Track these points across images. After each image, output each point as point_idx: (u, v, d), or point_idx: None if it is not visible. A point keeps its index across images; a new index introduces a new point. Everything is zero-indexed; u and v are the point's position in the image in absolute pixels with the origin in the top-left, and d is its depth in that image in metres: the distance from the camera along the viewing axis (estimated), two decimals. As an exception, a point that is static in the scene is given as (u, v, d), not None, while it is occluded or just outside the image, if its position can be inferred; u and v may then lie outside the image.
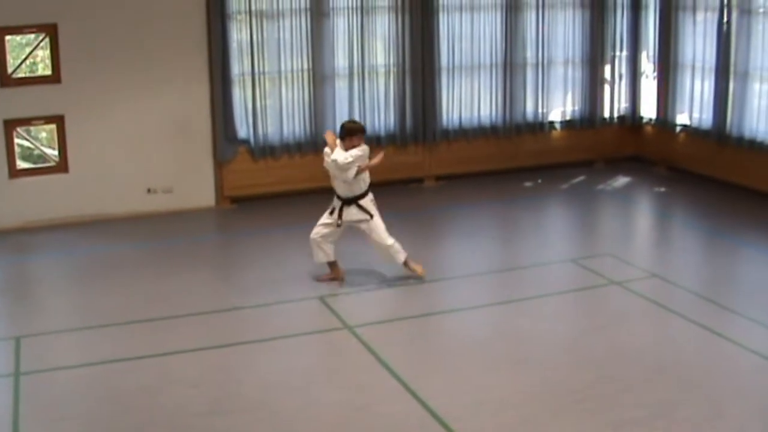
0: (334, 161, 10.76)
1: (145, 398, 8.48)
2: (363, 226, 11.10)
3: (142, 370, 9.04)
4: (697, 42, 15.36)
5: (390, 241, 11.09)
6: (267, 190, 14.70)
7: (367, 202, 11.10)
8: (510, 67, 15.88)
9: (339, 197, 11.09)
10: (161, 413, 8.21)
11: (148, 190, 14.23)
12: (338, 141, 10.94)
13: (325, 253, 11.21)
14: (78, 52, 13.44)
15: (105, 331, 9.98)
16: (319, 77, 14.74)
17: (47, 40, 13.44)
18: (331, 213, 11.11)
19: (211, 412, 8.22)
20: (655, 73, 16.43)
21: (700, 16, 15.30)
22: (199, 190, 14.53)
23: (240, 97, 14.48)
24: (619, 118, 16.88)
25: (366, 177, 11.08)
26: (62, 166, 13.79)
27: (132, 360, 9.24)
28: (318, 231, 11.14)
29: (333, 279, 11.34)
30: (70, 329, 10.10)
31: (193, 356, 9.35)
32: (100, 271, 11.93)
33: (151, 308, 10.58)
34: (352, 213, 11.05)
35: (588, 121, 16.63)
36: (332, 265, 11.35)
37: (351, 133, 10.92)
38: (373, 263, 11.74)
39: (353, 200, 11.03)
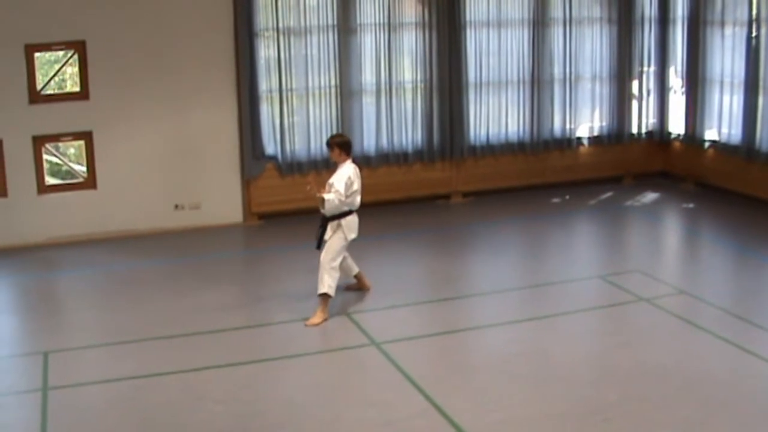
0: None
1: (170, 415, 8.49)
2: (327, 237, 10.84)
3: (167, 387, 9.05)
4: (726, 57, 15.29)
5: (331, 265, 10.73)
6: (294, 206, 14.69)
7: (342, 222, 10.78)
8: (537, 83, 15.86)
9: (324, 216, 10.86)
10: (186, 430, 8.21)
11: (176, 206, 14.28)
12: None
13: (347, 271, 11.28)
14: (106, 69, 13.53)
15: (131, 347, 10.00)
16: (346, 93, 14.77)
17: (76, 56, 13.55)
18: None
19: (236, 429, 8.20)
20: (683, 89, 16.35)
21: (728, 31, 15.23)
22: (226, 206, 14.57)
23: (267, 113, 14.53)
24: (647, 133, 16.82)
25: (354, 201, 10.85)
26: (90, 182, 13.87)
27: (157, 376, 9.25)
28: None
29: (360, 288, 11.52)
30: (97, 345, 10.12)
31: (219, 373, 9.35)
32: (126, 287, 11.98)
33: (177, 324, 10.61)
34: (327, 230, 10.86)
35: (616, 137, 16.58)
36: (358, 276, 11.48)
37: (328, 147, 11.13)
38: (400, 280, 11.74)
39: (332, 218, 10.81)
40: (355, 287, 11.50)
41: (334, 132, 14.44)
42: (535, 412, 8.41)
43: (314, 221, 13.25)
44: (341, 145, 10.94)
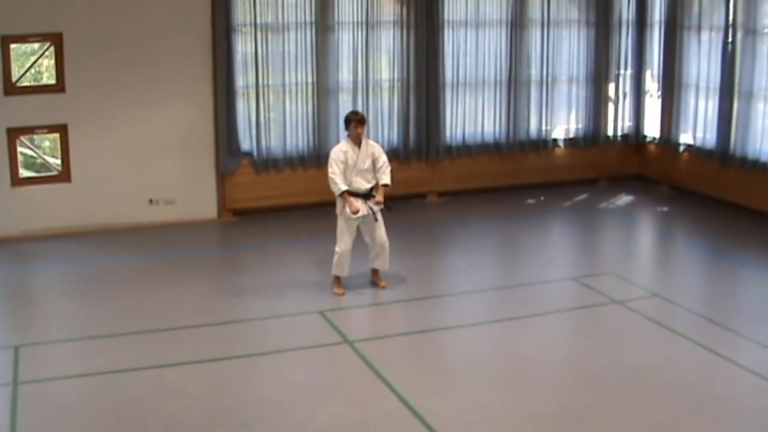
0: None
1: (143, 411, 8.45)
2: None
3: (141, 382, 9.01)
4: (702, 61, 15.35)
5: (335, 249, 11.18)
6: (269, 203, 14.68)
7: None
8: (514, 84, 15.89)
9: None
10: (158, 426, 8.17)
11: (150, 201, 14.23)
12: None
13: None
14: (83, 62, 13.45)
15: (103, 342, 9.95)
16: (323, 91, 14.75)
17: (52, 49, 13.46)
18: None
19: (209, 426, 8.17)
20: (659, 92, 16.42)
21: (705, 36, 15.29)
22: (201, 201, 14.52)
23: (244, 109, 14.49)
24: (622, 136, 16.87)
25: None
26: (65, 175, 13.79)
27: (130, 371, 9.21)
28: (348, 244, 11.18)
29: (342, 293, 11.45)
30: (69, 339, 10.08)
31: (192, 369, 9.31)
32: (100, 282, 11.91)
33: (151, 320, 10.56)
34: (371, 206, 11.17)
35: (591, 140, 16.63)
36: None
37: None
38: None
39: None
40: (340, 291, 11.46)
41: (310, 128, 14.72)
42: (507, 413, 8.42)
43: (289, 218, 13.30)
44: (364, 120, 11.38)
